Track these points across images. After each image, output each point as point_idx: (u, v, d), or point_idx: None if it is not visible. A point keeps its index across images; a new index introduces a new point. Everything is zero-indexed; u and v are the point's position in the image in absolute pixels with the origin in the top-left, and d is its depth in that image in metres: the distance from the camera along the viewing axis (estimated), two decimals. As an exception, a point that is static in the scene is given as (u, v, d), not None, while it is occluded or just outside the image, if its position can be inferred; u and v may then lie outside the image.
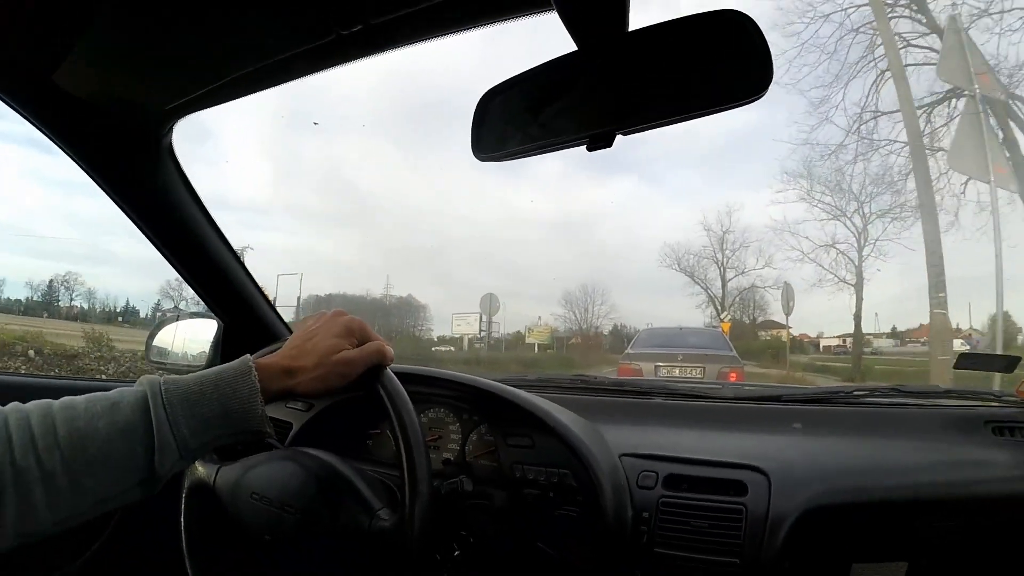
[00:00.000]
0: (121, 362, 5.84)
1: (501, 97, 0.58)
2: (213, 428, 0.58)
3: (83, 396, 0.57)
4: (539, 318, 19.58)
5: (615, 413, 0.87)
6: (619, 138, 0.52)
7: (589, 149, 0.53)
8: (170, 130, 0.79)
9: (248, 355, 0.62)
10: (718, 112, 0.48)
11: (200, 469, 0.69)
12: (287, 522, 0.59)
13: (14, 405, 0.54)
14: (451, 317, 18.09)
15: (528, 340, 18.82)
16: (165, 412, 0.56)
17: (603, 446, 0.69)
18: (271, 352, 0.65)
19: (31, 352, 5.57)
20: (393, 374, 0.63)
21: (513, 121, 0.58)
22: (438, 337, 20.24)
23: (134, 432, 0.56)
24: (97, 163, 0.80)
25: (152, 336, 1.03)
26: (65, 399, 0.56)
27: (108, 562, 0.93)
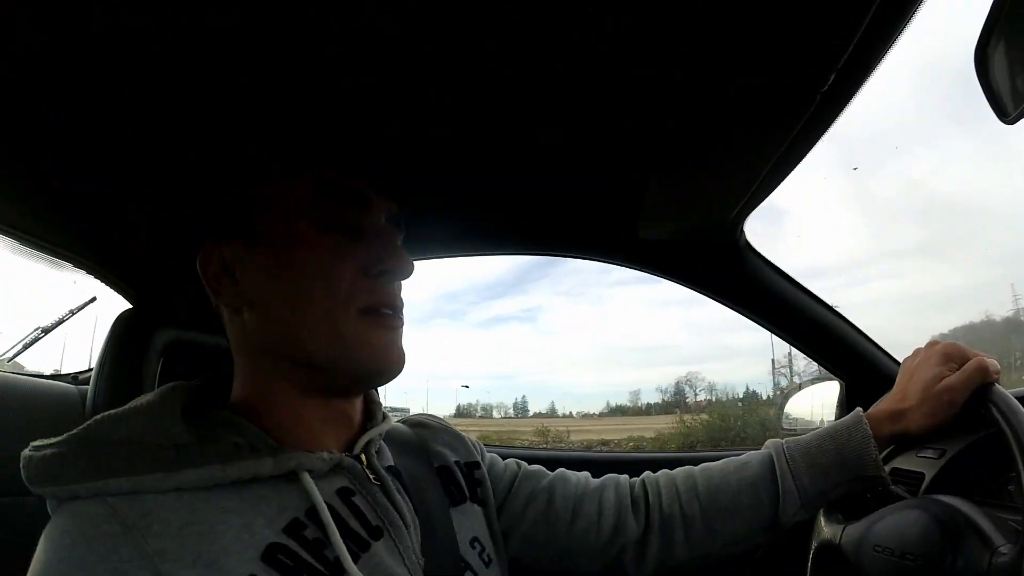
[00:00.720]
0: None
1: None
2: (831, 476, 0.62)
3: (720, 461, 0.69)
4: None
5: None
6: None
7: None
8: (741, 232, 0.91)
9: (859, 408, 0.65)
10: None
11: (826, 530, 0.71)
12: (907, 570, 0.57)
13: (663, 472, 0.71)
14: None
15: None
16: (788, 465, 0.63)
17: None
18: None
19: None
20: (1005, 390, 0.57)
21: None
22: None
23: (760, 483, 0.64)
24: (692, 278, 1.00)
25: (782, 407, 1.14)
26: (705, 464, 0.70)
27: None
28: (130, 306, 0.91)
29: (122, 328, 0.88)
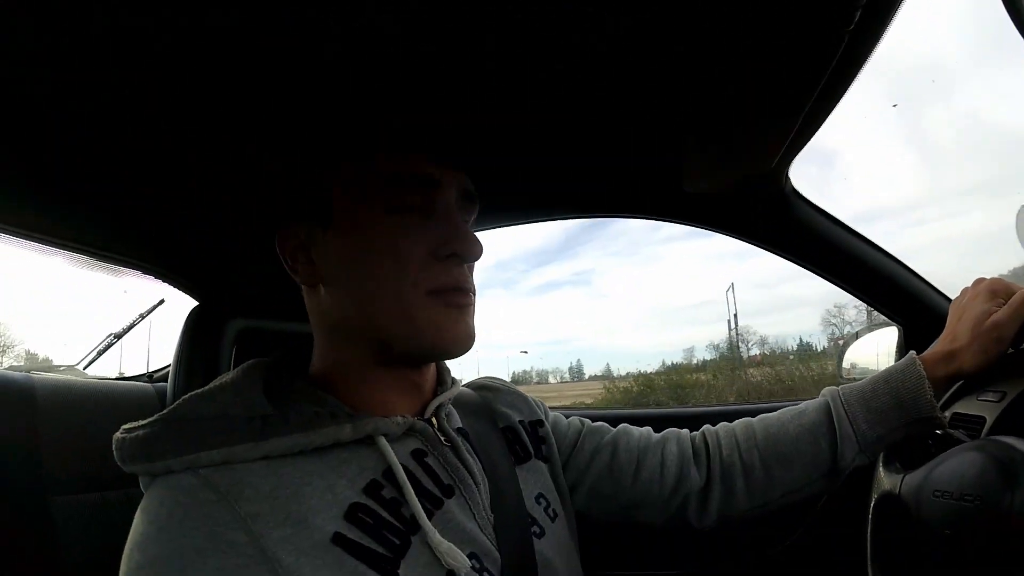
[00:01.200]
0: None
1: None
2: (888, 419, 0.63)
3: (777, 411, 0.70)
4: None
5: None
6: None
7: None
8: (787, 179, 0.89)
9: (913, 351, 0.65)
10: None
11: (886, 480, 0.71)
12: (966, 511, 0.57)
13: (723, 423, 0.72)
14: None
15: None
16: (844, 411, 0.64)
17: None
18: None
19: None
20: None
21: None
22: None
23: (818, 430, 0.65)
24: (741, 229, 0.99)
25: (841, 355, 1.13)
26: (763, 414, 0.71)
27: (797, 556, 1.04)
28: (196, 303, 0.99)
29: (194, 323, 0.96)
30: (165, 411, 0.47)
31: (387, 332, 0.52)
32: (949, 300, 0.95)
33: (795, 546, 1.05)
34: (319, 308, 0.55)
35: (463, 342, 0.53)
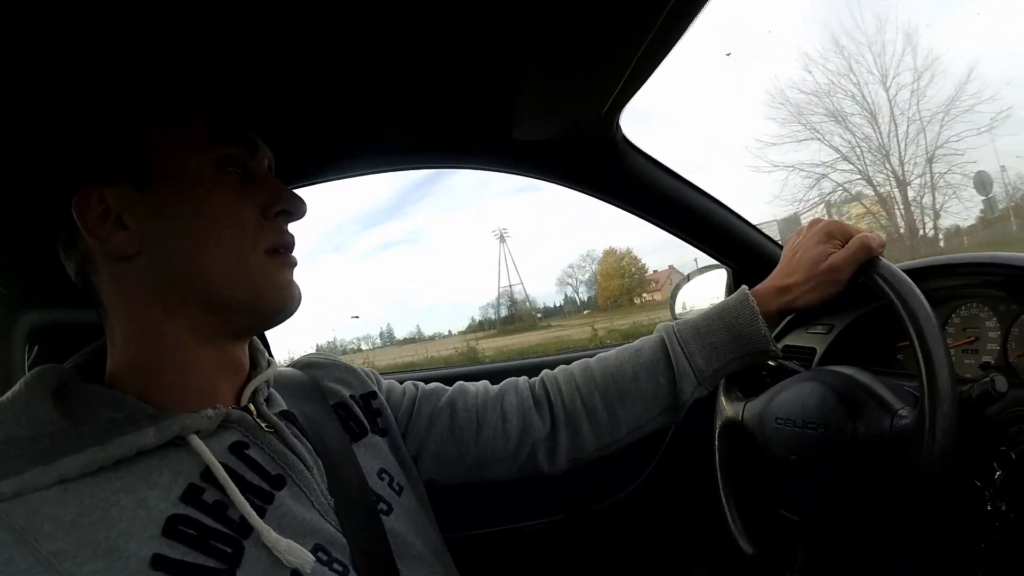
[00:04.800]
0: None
1: None
2: (723, 353, 0.65)
3: (614, 350, 0.70)
4: None
5: None
6: None
7: None
8: (618, 127, 0.87)
9: (744, 286, 0.67)
10: None
11: (728, 408, 0.75)
12: (810, 439, 0.60)
13: (560, 367, 0.72)
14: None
15: None
16: (680, 347, 0.65)
17: None
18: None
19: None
20: (889, 263, 0.58)
21: None
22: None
23: (656, 367, 0.66)
24: (572, 177, 0.97)
25: (673, 297, 1.18)
26: (600, 354, 0.70)
27: (653, 489, 1.12)
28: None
29: None
30: None
31: (223, 295, 0.49)
32: (780, 247, 1.01)
33: (644, 487, 1.12)
34: (132, 283, 0.49)
35: (297, 299, 0.54)
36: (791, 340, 0.88)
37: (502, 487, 0.71)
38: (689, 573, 1.10)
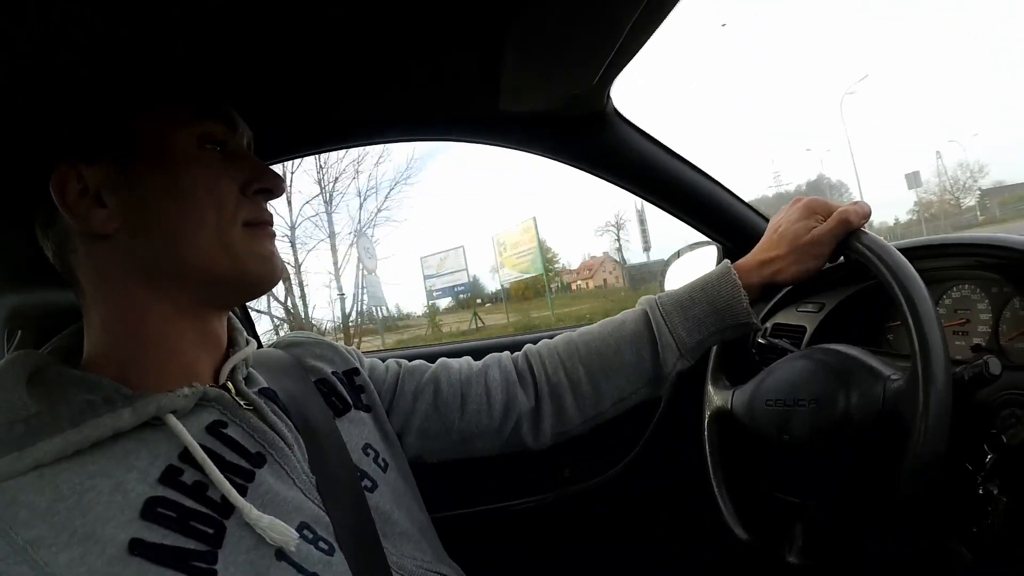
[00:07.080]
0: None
1: None
2: (705, 326, 0.65)
3: (597, 323, 0.70)
4: None
5: None
6: None
7: None
8: (608, 98, 0.85)
9: (727, 260, 0.67)
10: None
11: (716, 397, 0.74)
12: (801, 415, 0.59)
13: (543, 341, 0.72)
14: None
15: None
16: (663, 319, 0.66)
17: None
18: None
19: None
20: (873, 234, 0.57)
21: None
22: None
23: (640, 339, 0.66)
24: (561, 150, 0.94)
25: (663, 273, 1.16)
26: (583, 328, 0.71)
27: (641, 467, 1.10)
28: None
29: None
30: None
31: (205, 268, 0.49)
32: (767, 220, 0.99)
33: (632, 466, 1.11)
34: (110, 261, 0.49)
35: (280, 270, 0.54)
36: (781, 318, 0.87)
37: (488, 466, 0.70)
38: (679, 557, 1.11)
